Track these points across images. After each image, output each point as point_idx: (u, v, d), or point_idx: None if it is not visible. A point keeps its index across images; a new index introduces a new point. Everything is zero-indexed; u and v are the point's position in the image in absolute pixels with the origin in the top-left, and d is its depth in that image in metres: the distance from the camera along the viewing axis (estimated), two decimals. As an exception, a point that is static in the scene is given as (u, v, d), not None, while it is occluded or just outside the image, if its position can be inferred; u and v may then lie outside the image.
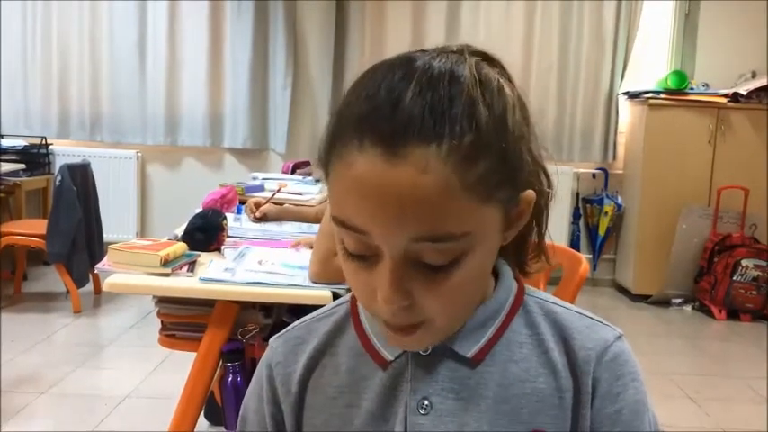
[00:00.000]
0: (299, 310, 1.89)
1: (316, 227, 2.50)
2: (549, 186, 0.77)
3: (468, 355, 0.74)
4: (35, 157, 5.12)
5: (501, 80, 0.69)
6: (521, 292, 0.79)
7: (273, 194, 2.89)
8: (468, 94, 0.64)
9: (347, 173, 0.64)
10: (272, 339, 0.85)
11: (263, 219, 2.69)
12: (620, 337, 0.77)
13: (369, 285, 0.68)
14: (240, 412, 0.86)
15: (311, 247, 1.97)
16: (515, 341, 0.76)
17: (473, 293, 0.73)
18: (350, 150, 0.64)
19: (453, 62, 0.67)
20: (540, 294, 0.80)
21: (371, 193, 0.63)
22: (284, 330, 0.85)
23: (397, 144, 0.62)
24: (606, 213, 5.39)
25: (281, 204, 2.83)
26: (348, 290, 0.77)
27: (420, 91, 0.63)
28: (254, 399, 0.84)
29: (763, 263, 4.85)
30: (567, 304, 0.80)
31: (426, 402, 0.74)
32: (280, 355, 0.82)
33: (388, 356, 0.76)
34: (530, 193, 0.72)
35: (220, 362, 1.98)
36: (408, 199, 0.62)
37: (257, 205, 2.72)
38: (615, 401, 0.74)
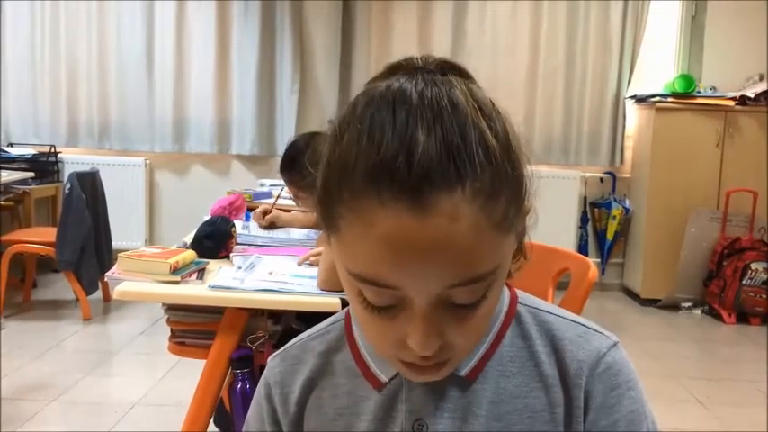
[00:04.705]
0: (308, 317, 1.90)
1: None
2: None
3: (462, 373, 0.73)
4: (44, 166, 5.14)
5: (490, 97, 0.67)
6: (513, 301, 0.78)
7: (277, 198, 2.90)
8: (474, 125, 0.61)
9: (370, 231, 0.60)
10: (269, 359, 0.85)
11: (272, 226, 2.71)
12: (614, 345, 0.75)
13: (394, 333, 0.66)
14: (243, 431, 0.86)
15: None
16: (508, 355, 0.75)
17: (493, 314, 0.72)
18: (368, 206, 0.60)
19: (447, 90, 0.63)
20: (533, 302, 0.79)
21: (403, 249, 0.60)
22: (281, 349, 0.84)
23: (423, 195, 0.58)
24: (614, 217, 5.38)
25: (290, 211, 2.84)
26: None
27: (430, 131, 0.60)
28: (255, 418, 0.84)
29: (773, 266, 4.83)
30: (561, 312, 0.78)
31: (422, 424, 0.73)
32: (277, 374, 0.82)
33: (383, 378, 0.76)
34: (528, 206, 0.71)
35: (229, 369, 1.99)
36: (443, 250, 0.60)
37: (265, 213, 2.74)
38: (610, 413, 0.72)
